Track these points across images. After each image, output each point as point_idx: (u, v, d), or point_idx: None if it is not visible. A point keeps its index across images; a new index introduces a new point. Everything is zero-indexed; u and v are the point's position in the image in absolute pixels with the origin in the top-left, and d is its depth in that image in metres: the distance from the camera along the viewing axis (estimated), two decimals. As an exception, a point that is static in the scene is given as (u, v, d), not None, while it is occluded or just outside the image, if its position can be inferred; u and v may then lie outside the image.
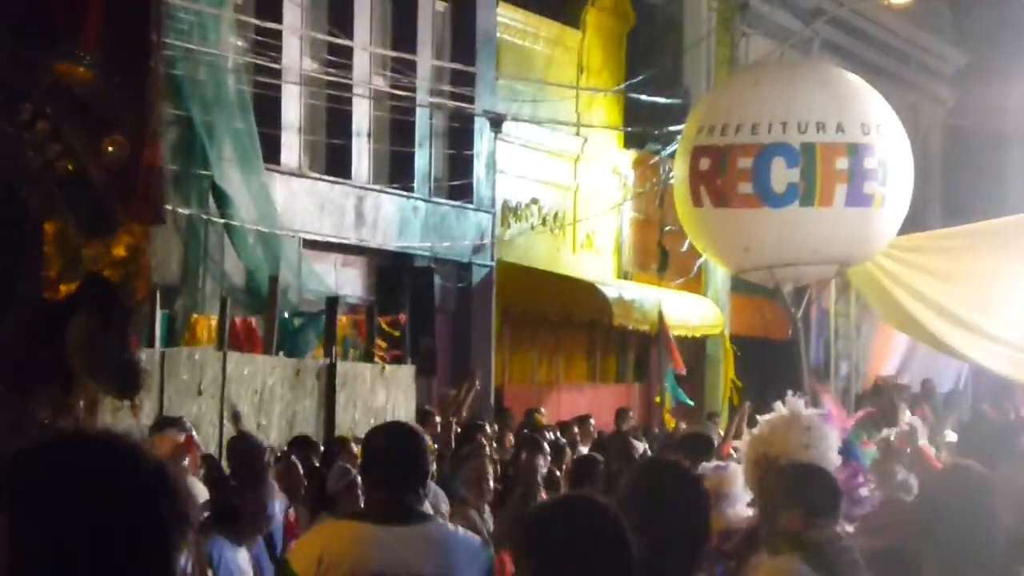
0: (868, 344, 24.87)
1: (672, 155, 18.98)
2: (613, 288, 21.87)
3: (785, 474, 5.65)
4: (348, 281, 18.65)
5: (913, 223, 17.51)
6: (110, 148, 7.00)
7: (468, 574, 5.16)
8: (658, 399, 18.54)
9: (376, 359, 15.53)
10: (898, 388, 17.02)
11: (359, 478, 7.49)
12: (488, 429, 13.27)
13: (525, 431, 13.94)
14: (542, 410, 16.83)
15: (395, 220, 19.25)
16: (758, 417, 6.38)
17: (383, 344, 15.95)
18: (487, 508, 9.32)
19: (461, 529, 5.72)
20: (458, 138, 20.51)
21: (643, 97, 22.78)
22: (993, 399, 19.43)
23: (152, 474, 2.31)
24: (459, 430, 12.52)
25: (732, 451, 8.69)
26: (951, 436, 14.54)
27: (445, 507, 8.75)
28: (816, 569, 5.04)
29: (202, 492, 7.77)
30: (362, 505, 6.80)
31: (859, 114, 15.73)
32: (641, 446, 12.30)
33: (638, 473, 4.65)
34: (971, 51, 32.46)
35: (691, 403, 18.56)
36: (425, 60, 19.76)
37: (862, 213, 15.62)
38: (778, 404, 6.29)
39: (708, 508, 4.33)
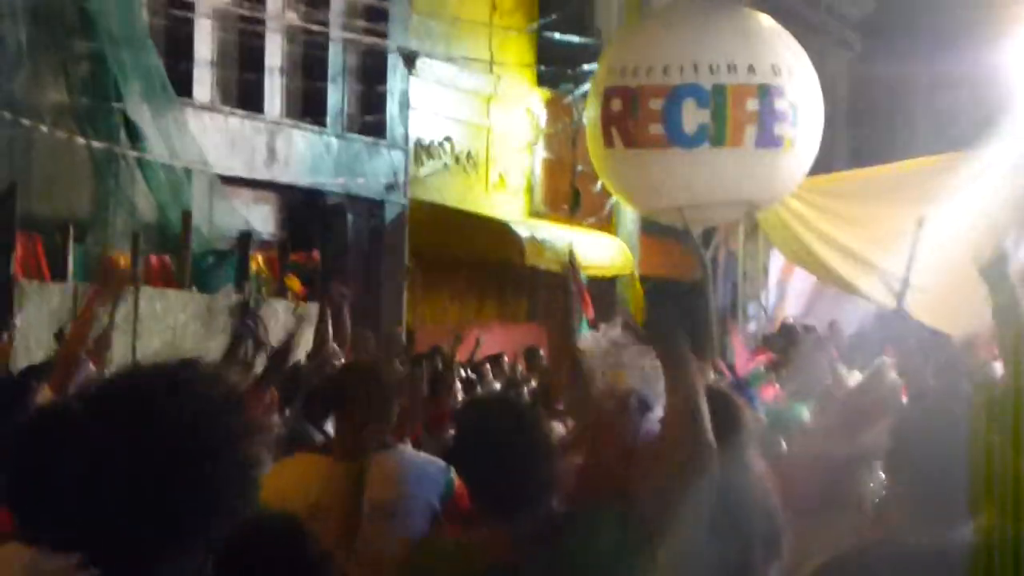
0: (775, 285, 25.08)
1: (584, 96, 19.02)
2: (525, 228, 21.94)
3: None
4: (260, 218, 18.59)
5: (820, 168, 17.64)
6: None
7: (428, 495, 5.54)
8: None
9: (288, 295, 15.51)
10: (805, 329, 17.16)
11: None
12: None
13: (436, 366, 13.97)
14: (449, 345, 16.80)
15: (307, 157, 19.18)
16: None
17: (296, 282, 15.92)
18: None
19: (422, 454, 6.06)
20: (371, 75, 20.45)
21: (556, 36, 22.80)
22: (897, 343, 19.64)
23: None
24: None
25: None
26: (856, 377, 14.67)
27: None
28: None
29: None
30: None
31: (770, 55, 15.81)
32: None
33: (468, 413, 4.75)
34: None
35: None
36: (338, -6, 19.67)
37: (772, 154, 15.73)
38: (592, 332, 6.14)
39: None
